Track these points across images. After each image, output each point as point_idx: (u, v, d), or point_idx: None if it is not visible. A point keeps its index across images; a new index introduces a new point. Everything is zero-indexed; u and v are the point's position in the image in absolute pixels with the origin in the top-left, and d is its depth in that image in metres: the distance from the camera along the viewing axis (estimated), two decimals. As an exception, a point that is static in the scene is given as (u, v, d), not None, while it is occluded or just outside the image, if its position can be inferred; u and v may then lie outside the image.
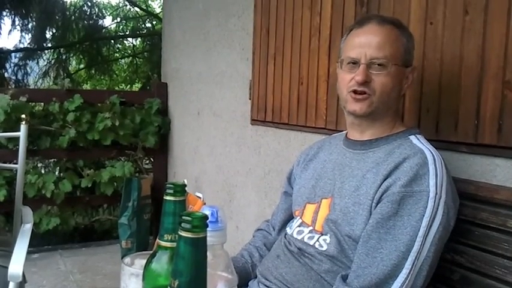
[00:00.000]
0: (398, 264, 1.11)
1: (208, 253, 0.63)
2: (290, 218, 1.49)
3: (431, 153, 1.22)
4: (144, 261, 0.81)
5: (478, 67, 1.36)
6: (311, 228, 1.33)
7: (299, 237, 1.34)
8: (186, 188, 0.77)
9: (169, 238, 0.76)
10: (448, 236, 1.20)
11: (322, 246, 1.27)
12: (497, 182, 1.34)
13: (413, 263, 1.11)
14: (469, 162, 1.42)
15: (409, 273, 1.11)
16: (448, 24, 1.46)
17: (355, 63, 1.29)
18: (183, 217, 0.60)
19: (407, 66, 1.33)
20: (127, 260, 0.90)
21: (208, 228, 0.62)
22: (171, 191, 0.77)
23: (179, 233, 0.60)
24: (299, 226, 1.37)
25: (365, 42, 1.28)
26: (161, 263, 0.76)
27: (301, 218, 1.39)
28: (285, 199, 1.56)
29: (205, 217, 0.60)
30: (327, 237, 1.27)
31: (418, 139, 1.29)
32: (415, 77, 1.38)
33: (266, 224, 1.60)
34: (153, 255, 0.77)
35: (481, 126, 1.36)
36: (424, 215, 1.13)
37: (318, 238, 1.29)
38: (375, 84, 1.27)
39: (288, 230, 1.41)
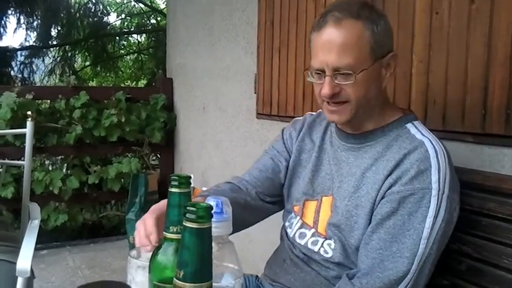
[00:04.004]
0: (405, 271, 1.08)
1: (213, 244, 0.63)
2: (272, 189, 1.39)
3: (432, 145, 1.14)
4: (150, 254, 0.82)
5: (485, 56, 1.35)
6: (313, 230, 1.28)
7: (302, 242, 1.29)
8: (193, 183, 0.77)
9: (175, 230, 0.76)
10: (452, 229, 1.16)
11: (327, 253, 1.22)
12: (505, 172, 1.33)
13: (418, 266, 1.08)
14: (476, 153, 1.41)
15: (412, 276, 1.08)
16: (454, 13, 1.45)
17: (320, 73, 1.18)
18: (188, 208, 0.59)
19: (383, 57, 1.18)
20: (133, 252, 0.90)
21: (213, 219, 0.62)
22: (175, 183, 0.77)
23: (184, 223, 0.60)
24: (300, 228, 1.31)
25: (325, 51, 1.15)
26: (167, 255, 0.76)
27: (301, 218, 1.32)
28: (272, 163, 1.40)
29: (210, 207, 0.60)
30: (331, 242, 1.23)
31: (415, 127, 1.21)
32: (398, 62, 1.24)
33: (239, 180, 1.40)
34: (158, 248, 0.78)
35: (489, 116, 1.35)
36: (427, 215, 1.08)
37: (322, 243, 1.24)
38: (346, 92, 1.16)
39: (289, 231, 1.35)
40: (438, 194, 1.09)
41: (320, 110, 1.40)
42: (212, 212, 0.61)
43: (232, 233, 1.22)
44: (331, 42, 1.14)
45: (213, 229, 0.63)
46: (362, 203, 1.18)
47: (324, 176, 1.30)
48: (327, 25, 1.15)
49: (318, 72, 1.18)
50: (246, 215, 1.32)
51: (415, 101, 1.57)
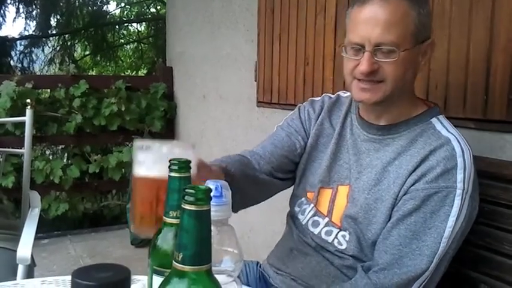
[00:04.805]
0: (424, 268, 1.07)
1: (212, 228, 0.62)
2: (285, 167, 1.35)
3: (459, 143, 1.12)
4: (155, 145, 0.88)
5: (487, 41, 1.34)
6: (327, 219, 1.25)
7: (315, 231, 1.26)
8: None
9: (175, 215, 0.75)
10: (470, 227, 1.14)
11: (341, 244, 1.20)
12: (507, 157, 1.33)
13: (436, 264, 1.08)
14: (478, 139, 1.40)
15: (430, 274, 1.08)
16: (456, -3, 1.43)
17: (359, 48, 1.13)
18: (187, 190, 0.59)
19: (423, 41, 1.15)
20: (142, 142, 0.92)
21: (212, 203, 0.62)
22: (175, 167, 0.76)
23: (183, 206, 0.59)
24: (314, 216, 1.28)
25: (368, 26, 1.11)
26: (167, 240, 0.75)
27: (315, 205, 1.28)
28: (288, 141, 1.35)
29: (209, 190, 0.59)
30: (346, 234, 1.20)
31: (441, 123, 1.18)
32: (434, 51, 1.22)
33: (251, 154, 1.35)
34: (158, 233, 0.77)
35: (490, 102, 1.34)
36: (449, 215, 1.07)
37: (337, 234, 1.22)
38: (384, 71, 1.12)
39: (301, 217, 1.30)
40: (463, 193, 1.07)
41: (338, 93, 1.37)
42: (211, 195, 0.60)
43: (240, 209, 1.22)
44: (376, 18, 1.10)
45: (212, 213, 0.62)
46: (382, 197, 1.15)
47: (342, 164, 1.27)
48: (372, 1, 1.12)
49: (355, 47, 1.14)
50: (254, 190, 1.29)
51: (417, 86, 1.54)
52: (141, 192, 0.92)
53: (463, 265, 1.28)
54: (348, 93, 1.34)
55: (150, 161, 0.89)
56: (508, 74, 1.29)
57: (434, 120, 1.18)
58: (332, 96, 1.38)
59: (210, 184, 0.73)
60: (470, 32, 1.39)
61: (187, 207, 0.58)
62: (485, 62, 1.35)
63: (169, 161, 0.78)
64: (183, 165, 0.77)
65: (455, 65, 1.43)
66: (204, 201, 0.59)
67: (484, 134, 1.39)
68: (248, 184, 1.24)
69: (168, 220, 0.76)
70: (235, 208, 1.18)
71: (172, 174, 0.76)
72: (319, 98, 1.40)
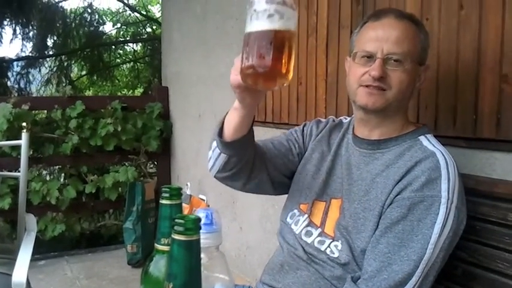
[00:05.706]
0: (410, 272, 1.09)
1: (203, 255, 0.63)
2: (275, 166, 1.40)
3: (444, 156, 1.18)
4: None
5: (475, 61, 1.36)
6: (320, 230, 1.29)
7: (308, 240, 1.30)
8: (190, 191, 0.78)
9: (166, 242, 0.76)
10: (457, 240, 1.17)
11: (333, 253, 1.23)
12: (496, 175, 1.34)
13: (423, 270, 1.10)
14: (468, 157, 1.42)
15: (417, 280, 1.10)
16: (444, 19, 1.46)
17: (370, 57, 1.23)
18: (176, 220, 0.60)
19: (421, 65, 1.27)
20: None
21: (203, 230, 0.63)
22: (166, 195, 0.78)
23: (172, 236, 0.60)
24: (307, 226, 1.32)
25: (382, 36, 1.22)
26: (159, 267, 0.76)
27: (309, 216, 1.33)
28: (286, 145, 1.43)
29: (198, 219, 0.61)
30: (339, 244, 1.24)
31: (428, 140, 1.25)
32: (427, 76, 1.32)
33: None
34: (150, 260, 0.78)
35: (480, 121, 1.36)
36: (435, 222, 1.10)
37: (330, 244, 1.26)
38: (391, 80, 1.21)
39: (294, 228, 1.34)
40: (447, 202, 1.11)
41: (341, 118, 1.47)
42: (201, 223, 0.62)
43: (228, 174, 1.30)
44: (391, 30, 1.22)
45: (203, 240, 0.63)
46: (370, 206, 1.20)
47: (335, 179, 1.33)
48: (388, 16, 1.24)
49: (366, 56, 1.23)
50: (249, 165, 1.32)
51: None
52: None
53: (454, 282, 1.30)
54: (349, 118, 1.44)
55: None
56: (496, 93, 1.32)
57: (422, 137, 1.26)
58: (336, 119, 1.48)
59: (201, 212, 0.74)
60: (458, 52, 1.41)
61: (176, 237, 0.60)
62: (473, 82, 1.37)
63: (161, 188, 0.79)
64: (174, 192, 0.79)
65: (445, 85, 1.46)
66: (193, 231, 0.60)
67: (474, 152, 1.41)
68: (249, 156, 1.31)
69: (160, 247, 0.77)
70: (227, 168, 1.30)
71: (164, 201, 0.78)
72: (325, 119, 1.49)
